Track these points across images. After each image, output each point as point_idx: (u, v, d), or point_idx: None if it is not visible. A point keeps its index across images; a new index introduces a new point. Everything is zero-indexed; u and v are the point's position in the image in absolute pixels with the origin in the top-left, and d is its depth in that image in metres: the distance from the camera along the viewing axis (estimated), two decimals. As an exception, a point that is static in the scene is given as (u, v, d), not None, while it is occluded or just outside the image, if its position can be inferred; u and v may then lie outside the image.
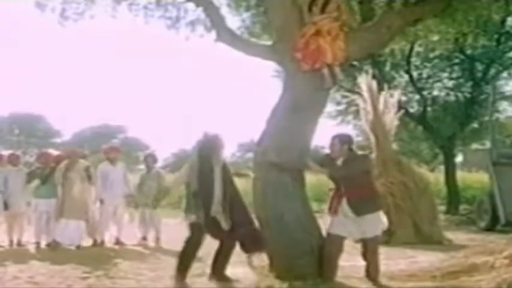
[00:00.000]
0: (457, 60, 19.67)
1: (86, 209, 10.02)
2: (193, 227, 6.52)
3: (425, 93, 20.03)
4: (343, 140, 6.65)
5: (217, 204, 6.46)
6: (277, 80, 18.75)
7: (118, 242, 10.45)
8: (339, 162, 6.58)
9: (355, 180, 6.39)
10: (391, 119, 12.11)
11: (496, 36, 17.56)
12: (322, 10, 6.83)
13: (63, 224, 9.81)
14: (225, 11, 8.55)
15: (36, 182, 10.24)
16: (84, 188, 10.01)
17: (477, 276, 6.13)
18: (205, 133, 6.72)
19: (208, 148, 6.64)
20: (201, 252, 6.65)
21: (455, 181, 19.19)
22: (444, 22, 8.26)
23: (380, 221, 6.53)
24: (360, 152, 7.03)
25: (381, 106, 12.05)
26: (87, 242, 10.16)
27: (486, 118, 18.23)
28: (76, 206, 9.84)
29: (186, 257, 6.55)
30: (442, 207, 17.22)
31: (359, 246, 6.62)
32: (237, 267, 7.07)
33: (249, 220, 6.63)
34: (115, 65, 75.05)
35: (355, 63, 14.63)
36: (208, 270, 6.69)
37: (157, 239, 10.60)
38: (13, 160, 10.72)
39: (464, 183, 20.78)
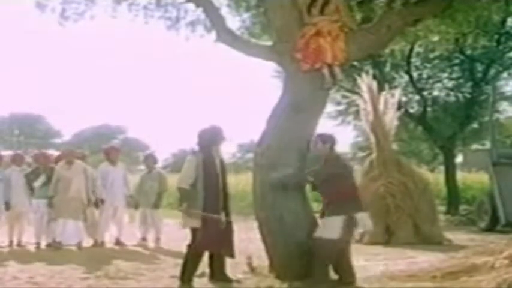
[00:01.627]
0: (457, 61, 19.65)
1: (83, 209, 10.00)
2: (195, 230, 6.47)
3: (425, 93, 20.00)
4: (324, 139, 6.61)
5: (221, 200, 6.48)
6: (277, 80, 18.74)
7: (118, 242, 10.45)
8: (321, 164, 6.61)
9: (328, 182, 6.38)
10: (391, 120, 12.11)
11: (496, 36, 17.53)
12: (321, 11, 6.84)
13: (62, 224, 9.81)
14: (225, 11, 8.55)
15: (42, 179, 10.22)
16: (81, 188, 9.99)
17: (477, 277, 6.12)
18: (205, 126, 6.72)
19: (205, 142, 6.61)
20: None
21: (455, 181, 19.18)
22: (444, 22, 8.27)
23: (335, 226, 6.21)
24: (343, 155, 7.02)
25: (381, 106, 12.05)
26: (87, 243, 10.16)
27: (486, 118, 18.20)
28: (72, 206, 9.83)
29: (191, 262, 6.48)
30: (442, 208, 17.20)
31: (358, 246, 6.62)
32: (237, 267, 7.10)
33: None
34: (115, 65, 75.03)
35: (355, 63, 14.63)
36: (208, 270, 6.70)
37: (157, 239, 10.59)
38: (17, 160, 10.73)
39: (465, 184, 20.78)
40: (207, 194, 6.41)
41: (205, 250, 6.51)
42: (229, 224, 6.60)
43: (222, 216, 6.43)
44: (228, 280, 6.58)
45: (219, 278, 6.56)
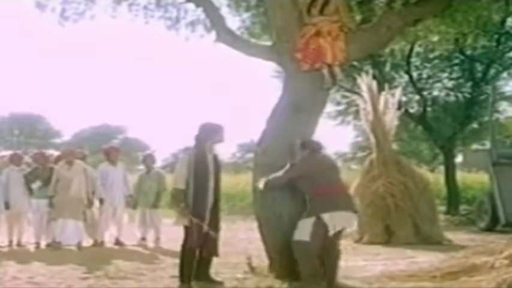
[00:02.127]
0: (457, 61, 19.66)
1: (83, 209, 9.99)
2: (188, 229, 6.39)
3: (425, 93, 20.02)
4: (304, 144, 6.49)
5: (211, 198, 6.37)
6: (277, 80, 18.77)
7: (118, 242, 10.45)
8: None
9: (300, 183, 6.35)
10: (391, 119, 12.12)
11: (496, 36, 17.55)
12: (321, 12, 6.84)
13: (61, 224, 9.80)
14: (225, 11, 8.56)
15: (38, 183, 10.23)
16: (81, 189, 9.98)
17: (477, 277, 6.12)
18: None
19: (201, 136, 6.48)
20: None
21: (455, 181, 19.20)
22: (444, 22, 8.27)
23: (305, 227, 6.10)
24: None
25: (381, 106, 12.07)
26: (87, 242, 10.17)
27: (486, 118, 18.23)
28: (73, 206, 9.82)
29: (186, 262, 6.40)
30: (442, 208, 17.23)
31: (358, 246, 6.60)
32: (237, 267, 7.10)
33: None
34: (115, 65, 75.00)
35: (355, 63, 14.64)
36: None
37: (157, 239, 10.60)
38: (15, 160, 10.72)
39: (465, 184, 20.81)
40: (196, 192, 6.31)
41: (197, 248, 6.41)
42: (216, 224, 6.48)
43: (205, 221, 6.30)
44: (214, 281, 6.49)
45: (202, 278, 6.46)
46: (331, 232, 6.04)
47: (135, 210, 10.94)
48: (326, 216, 6.03)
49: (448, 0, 7.40)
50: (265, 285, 6.36)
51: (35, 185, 10.24)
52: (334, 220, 6.06)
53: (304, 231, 6.07)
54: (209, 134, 6.50)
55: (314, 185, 6.23)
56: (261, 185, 6.50)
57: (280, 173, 6.38)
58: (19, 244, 10.27)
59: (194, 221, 6.25)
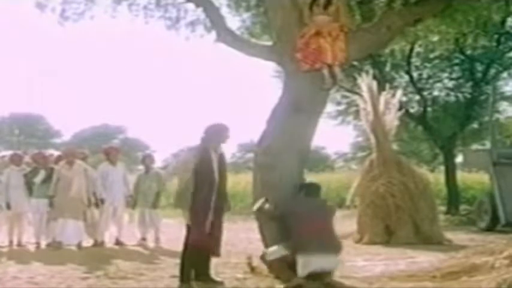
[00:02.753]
0: (457, 61, 19.68)
1: (83, 209, 9.99)
2: (190, 227, 6.35)
3: (425, 93, 20.04)
4: (298, 187, 6.68)
5: (214, 197, 6.34)
6: (277, 80, 18.78)
7: (118, 242, 10.45)
8: None
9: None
10: (391, 119, 12.13)
11: (496, 36, 17.56)
12: (324, 10, 6.84)
13: (62, 224, 9.80)
14: (225, 11, 8.59)
15: (40, 177, 10.21)
16: (82, 189, 9.98)
17: (477, 277, 6.13)
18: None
19: (206, 134, 6.45)
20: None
21: (455, 181, 19.21)
22: (444, 22, 8.29)
23: (274, 249, 6.36)
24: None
25: (381, 106, 12.07)
26: (87, 242, 10.17)
27: (486, 118, 18.25)
28: (73, 206, 9.82)
29: (187, 262, 6.39)
30: (442, 208, 17.23)
31: (358, 246, 6.60)
32: (237, 267, 7.10)
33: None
34: (115, 65, 75.04)
35: (355, 63, 14.66)
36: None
37: (157, 239, 10.59)
38: (15, 160, 10.71)
39: (465, 184, 20.82)
40: (198, 191, 6.26)
41: (198, 248, 6.40)
42: (219, 224, 6.46)
43: (207, 220, 6.29)
44: (214, 282, 6.47)
45: (202, 278, 6.44)
46: (300, 274, 6.07)
47: (133, 210, 10.94)
48: (301, 261, 6.07)
49: (448, 0, 7.41)
50: (265, 285, 6.36)
51: (38, 179, 10.20)
52: (308, 265, 6.07)
53: (272, 253, 6.27)
54: (212, 136, 6.44)
55: (295, 225, 6.26)
56: (255, 207, 6.58)
57: (269, 207, 6.44)
58: (19, 244, 10.27)
59: (196, 220, 6.24)
